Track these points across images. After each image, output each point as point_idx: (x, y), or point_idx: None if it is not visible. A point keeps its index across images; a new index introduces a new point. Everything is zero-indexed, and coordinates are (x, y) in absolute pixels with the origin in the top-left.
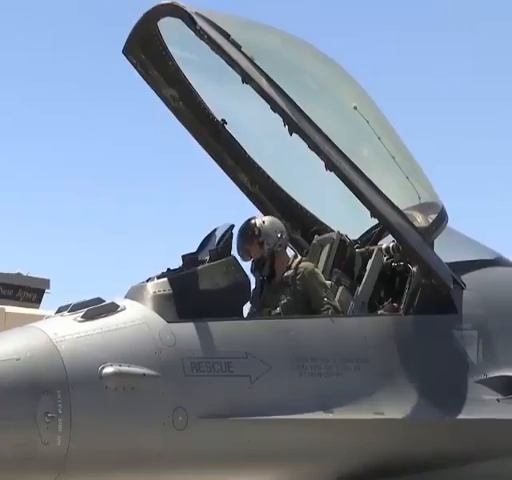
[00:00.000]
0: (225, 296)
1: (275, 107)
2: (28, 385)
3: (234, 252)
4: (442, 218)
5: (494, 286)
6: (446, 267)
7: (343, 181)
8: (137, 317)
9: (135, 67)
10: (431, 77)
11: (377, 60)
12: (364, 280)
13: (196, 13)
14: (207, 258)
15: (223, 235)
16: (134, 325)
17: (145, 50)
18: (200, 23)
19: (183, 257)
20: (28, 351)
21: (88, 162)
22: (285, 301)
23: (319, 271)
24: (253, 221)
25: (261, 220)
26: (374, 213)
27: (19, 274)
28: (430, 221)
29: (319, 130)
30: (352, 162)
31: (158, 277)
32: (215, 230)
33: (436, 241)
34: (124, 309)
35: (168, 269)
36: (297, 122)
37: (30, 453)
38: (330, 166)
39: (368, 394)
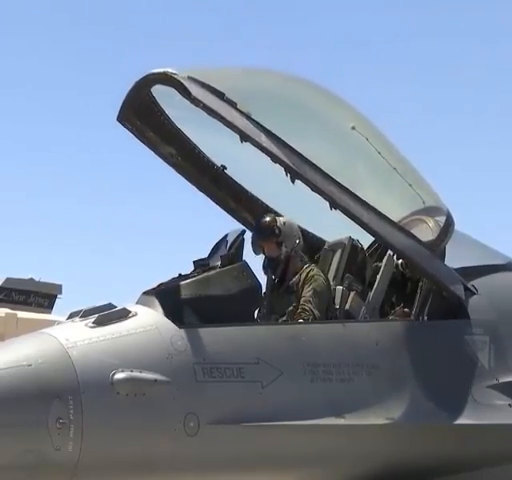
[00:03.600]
0: (236, 301)
1: (275, 159)
2: (39, 391)
3: (245, 257)
4: (449, 223)
5: (506, 291)
6: (457, 277)
7: (348, 216)
8: (148, 323)
9: (131, 132)
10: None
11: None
12: (375, 285)
13: (189, 77)
14: (218, 263)
15: (234, 240)
16: (145, 331)
17: (140, 115)
18: (194, 91)
19: (194, 262)
20: (39, 357)
21: (99, 168)
22: (291, 308)
23: (322, 278)
24: (273, 219)
25: (282, 221)
26: (381, 241)
27: (31, 279)
28: (440, 225)
29: (321, 172)
30: (355, 195)
31: (169, 282)
32: (226, 235)
33: (447, 245)
34: (135, 315)
35: (179, 274)
36: (298, 170)
37: (42, 459)
38: (333, 205)
39: (379, 399)
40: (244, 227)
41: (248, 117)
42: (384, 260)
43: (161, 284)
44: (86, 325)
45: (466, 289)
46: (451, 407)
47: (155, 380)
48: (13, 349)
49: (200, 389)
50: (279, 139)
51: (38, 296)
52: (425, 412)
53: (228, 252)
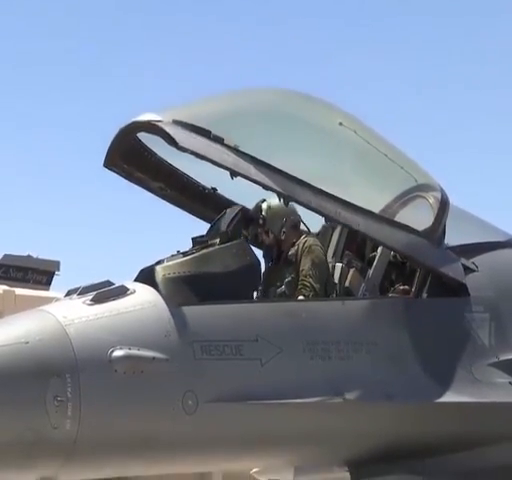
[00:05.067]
0: (235, 279)
1: (267, 188)
2: (37, 368)
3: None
4: (444, 203)
5: (506, 268)
6: (456, 261)
7: (344, 227)
8: (147, 300)
9: (118, 174)
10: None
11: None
12: (375, 262)
13: (173, 121)
14: (217, 241)
15: (233, 217)
16: (144, 308)
17: (126, 158)
18: (179, 137)
19: (193, 239)
20: (37, 334)
21: (97, 142)
22: (289, 279)
23: (319, 248)
24: (256, 208)
25: (267, 206)
26: (379, 245)
27: (29, 256)
28: (439, 200)
29: (313, 190)
30: (349, 204)
31: (168, 260)
32: (225, 212)
33: (447, 222)
34: (134, 292)
35: (178, 251)
36: (291, 195)
37: (39, 437)
38: (329, 220)
39: (379, 377)
40: None
41: (236, 150)
42: None
43: (159, 261)
44: (84, 302)
45: (466, 268)
46: (451, 385)
47: (153, 358)
48: (11, 326)
49: (199, 367)
50: (269, 166)
51: (36, 273)
52: (425, 390)
53: (227, 229)
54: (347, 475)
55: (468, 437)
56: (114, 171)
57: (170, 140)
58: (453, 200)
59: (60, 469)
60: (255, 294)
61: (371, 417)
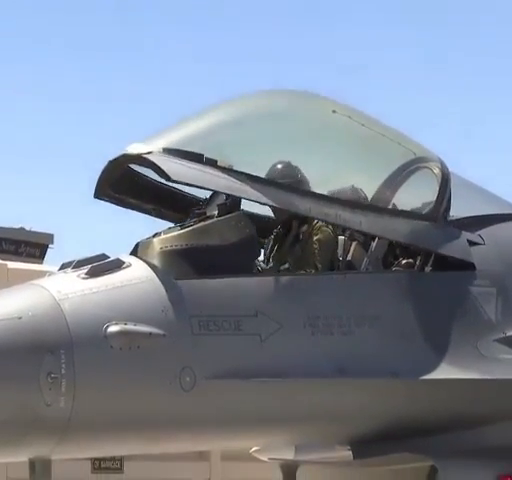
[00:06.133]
0: (234, 252)
1: (265, 204)
2: (30, 344)
3: (243, 206)
4: (445, 179)
5: None
6: (461, 240)
7: (346, 229)
8: (143, 274)
9: (110, 203)
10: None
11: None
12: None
13: (164, 150)
14: (215, 213)
15: None
16: (140, 282)
17: (116, 188)
18: (170, 167)
19: (191, 212)
20: (30, 309)
21: (96, 120)
22: (295, 258)
23: (329, 231)
24: (287, 166)
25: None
26: (383, 238)
27: (22, 229)
28: (439, 170)
29: (312, 197)
30: (348, 203)
31: (165, 232)
32: None
33: (453, 194)
34: (129, 266)
35: (175, 224)
36: (289, 208)
37: (33, 415)
38: (331, 224)
39: (382, 353)
40: None
41: (230, 171)
42: None
43: (156, 234)
44: (78, 276)
45: (472, 242)
46: (456, 361)
47: (150, 333)
48: (3, 301)
49: (196, 342)
50: (264, 181)
51: (29, 246)
52: (429, 366)
53: (225, 201)
54: (349, 453)
55: (472, 415)
56: (105, 200)
57: (162, 173)
58: (458, 171)
59: (55, 447)
60: (254, 267)
61: (374, 394)
